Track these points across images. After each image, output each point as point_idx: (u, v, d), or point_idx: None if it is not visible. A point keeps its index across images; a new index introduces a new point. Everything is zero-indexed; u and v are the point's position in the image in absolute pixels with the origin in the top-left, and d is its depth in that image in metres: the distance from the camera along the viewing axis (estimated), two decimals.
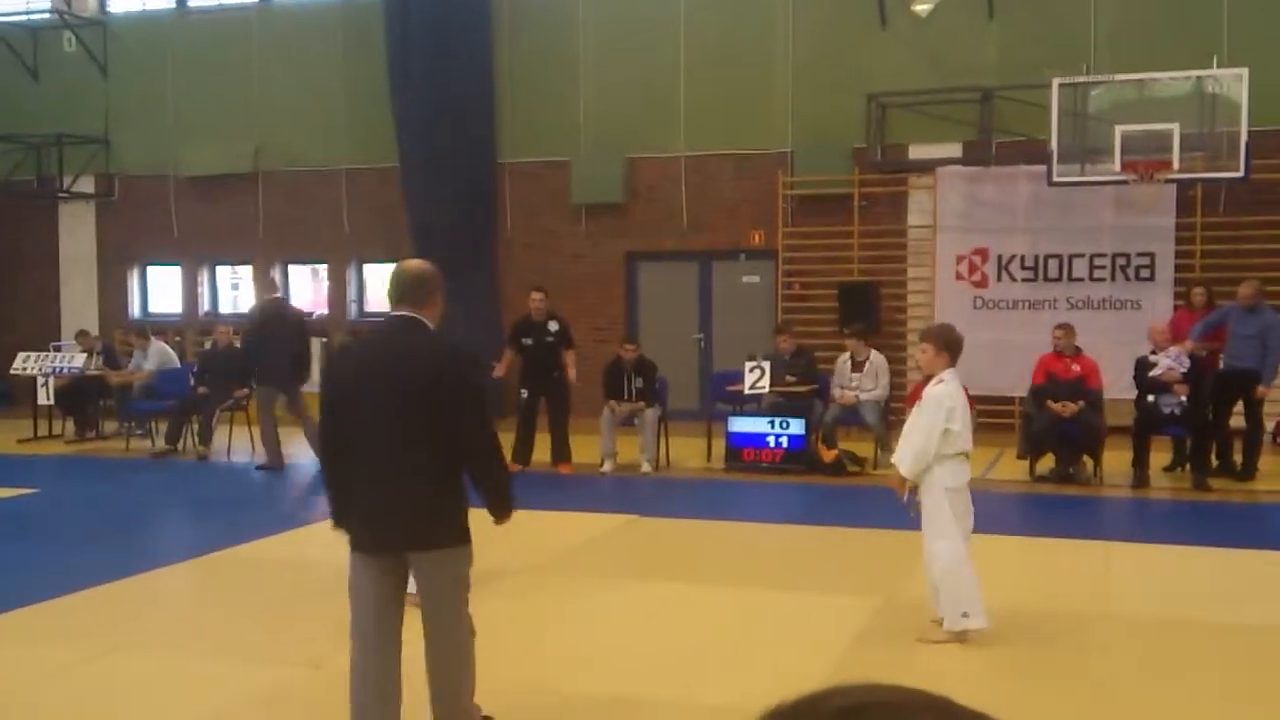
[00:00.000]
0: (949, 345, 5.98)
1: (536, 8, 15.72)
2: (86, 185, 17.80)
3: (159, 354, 14.52)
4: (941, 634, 5.89)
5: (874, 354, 11.86)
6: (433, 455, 4.09)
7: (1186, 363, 10.53)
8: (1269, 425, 11.57)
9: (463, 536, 4.21)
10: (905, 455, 5.92)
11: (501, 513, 4.34)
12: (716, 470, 11.61)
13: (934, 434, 5.80)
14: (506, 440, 11.67)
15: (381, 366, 4.16)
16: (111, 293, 18.00)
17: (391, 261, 17.26)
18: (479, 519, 4.32)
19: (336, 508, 4.30)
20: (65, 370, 14.22)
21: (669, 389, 12.47)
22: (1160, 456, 11.00)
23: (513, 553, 7.82)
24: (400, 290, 4.30)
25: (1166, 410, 10.51)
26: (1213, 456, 10.69)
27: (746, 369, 11.86)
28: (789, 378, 11.78)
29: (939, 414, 5.79)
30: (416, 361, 4.15)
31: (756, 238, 14.98)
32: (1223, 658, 5.76)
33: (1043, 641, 6.00)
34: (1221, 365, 10.77)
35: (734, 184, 15.08)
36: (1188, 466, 10.71)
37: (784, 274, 14.75)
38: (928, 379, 5.96)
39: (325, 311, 17.21)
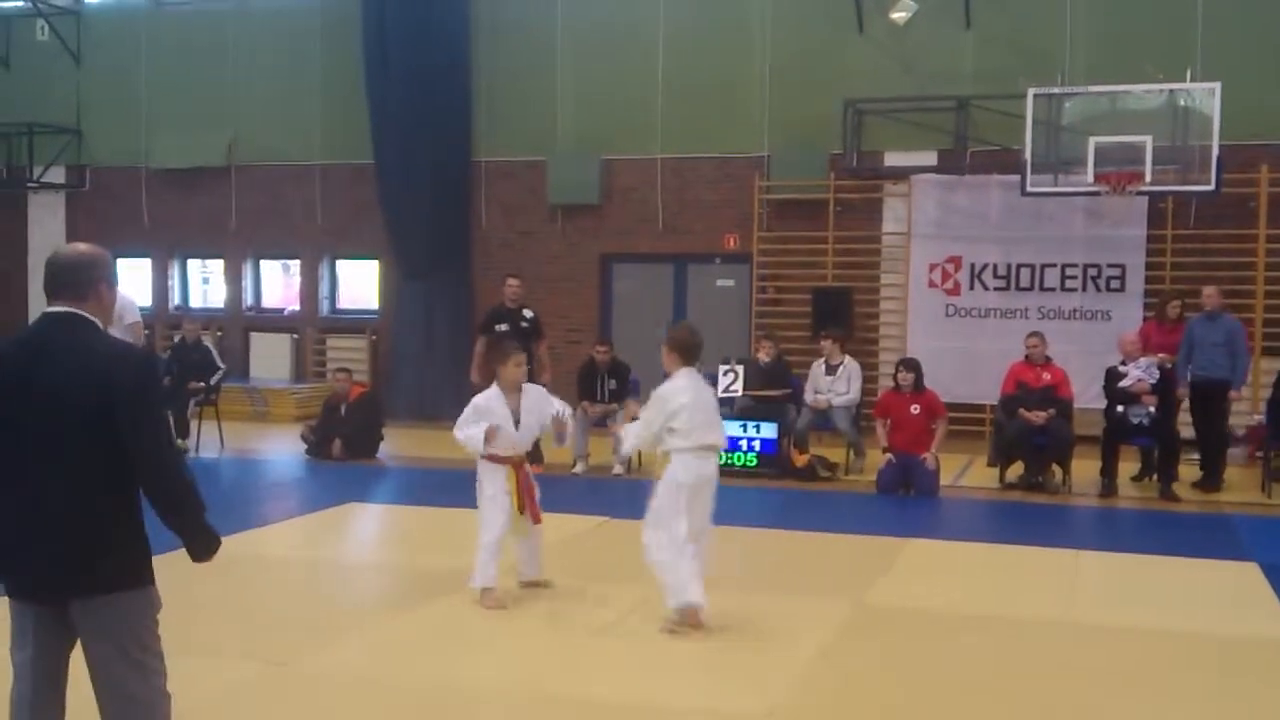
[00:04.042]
0: (679, 347, 6.25)
1: (516, 7, 15.69)
2: (57, 175, 17.64)
3: None
4: (673, 617, 6.13)
5: (848, 359, 11.91)
6: (96, 482, 3.36)
7: (1156, 374, 10.61)
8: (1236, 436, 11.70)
9: (136, 579, 3.45)
10: (629, 436, 6.33)
11: (202, 551, 3.53)
12: None
13: (651, 427, 6.14)
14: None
15: (32, 373, 3.38)
16: None
17: (365, 259, 17.33)
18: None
19: None
20: None
21: (642, 391, 12.44)
22: (1128, 466, 11.09)
23: None
24: (55, 281, 3.47)
25: (1135, 420, 10.59)
26: (1178, 468, 10.74)
27: (720, 372, 11.87)
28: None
29: (660, 411, 6.11)
30: (76, 365, 3.37)
31: (731, 241, 15.01)
32: (1187, 665, 5.81)
33: (1009, 646, 6.04)
34: (1190, 377, 10.83)
35: (710, 187, 15.09)
36: (1155, 476, 10.79)
37: (758, 278, 14.79)
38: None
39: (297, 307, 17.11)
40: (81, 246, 3.60)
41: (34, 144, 17.44)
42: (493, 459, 6.59)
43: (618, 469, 11.47)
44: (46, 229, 17.93)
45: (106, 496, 3.38)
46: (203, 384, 12.72)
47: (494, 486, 6.59)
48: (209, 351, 13.22)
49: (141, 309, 17.20)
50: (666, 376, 6.25)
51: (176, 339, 13.56)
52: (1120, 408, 10.64)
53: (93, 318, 3.47)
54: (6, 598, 3.51)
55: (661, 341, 6.36)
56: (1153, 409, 10.52)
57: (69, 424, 3.33)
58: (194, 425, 12.83)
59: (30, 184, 17.55)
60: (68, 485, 3.35)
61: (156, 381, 3.62)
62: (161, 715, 3.53)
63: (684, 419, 6.04)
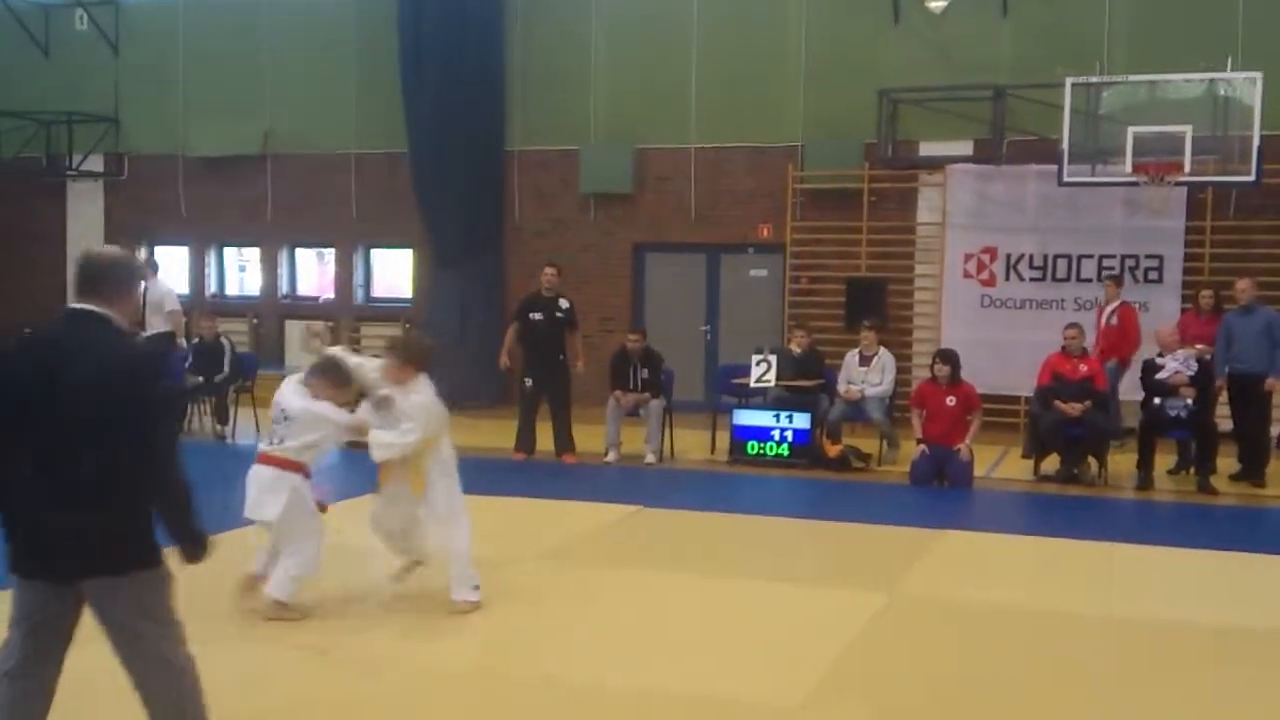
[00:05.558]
0: (418, 357, 6.26)
1: None
2: (95, 164, 17.80)
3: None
4: (463, 605, 6.24)
5: (882, 350, 11.87)
6: (105, 469, 3.53)
7: (1194, 366, 10.51)
8: (1273, 430, 11.55)
9: (146, 559, 3.66)
10: (388, 442, 6.16)
11: (192, 553, 3.73)
12: (720, 463, 11.61)
13: (419, 441, 6.13)
14: (510, 428, 11.83)
15: (48, 365, 3.56)
16: None
17: (399, 247, 17.39)
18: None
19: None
20: None
21: (674, 380, 12.47)
22: (1165, 459, 11.00)
23: (518, 542, 7.84)
24: (85, 280, 3.68)
25: (1173, 413, 10.49)
26: (1216, 460, 10.63)
27: (753, 362, 11.86)
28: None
29: (424, 426, 6.13)
30: (94, 362, 3.55)
31: (765, 231, 14.97)
32: (1223, 659, 5.77)
33: (1044, 639, 6.01)
34: (1229, 370, 10.71)
35: (743, 177, 15.05)
36: (1192, 469, 10.70)
37: (792, 268, 14.74)
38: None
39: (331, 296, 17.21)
40: (113, 249, 3.84)
41: (73, 132, 17.59)
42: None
43: (649, 458, 11.49)
44: (85, 217, 18.12)
45: (121, 484, 3.55)
46: (200, 379, 12.85)
47: None
48: (222, 350, 13.24)
49: (180, 296, 17.55)
50: (395, 385, 6.22)
51: (195, 340, 13.61)
52: (1157, 400, 10.54)
53: (115, 317, 3.66)
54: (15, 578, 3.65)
55: (389, 352, 6.27)
56: (1190, 401, 10.42)
57: (86, 416, 3.50)
58: (231, 411, 12.97)
59: (69, 172, 17.72)
60: (87, 473, 3.51)
61: (160, 382, 3.77)
62: (192, 677, 3.80)
63: (434, 429, 6.24)
